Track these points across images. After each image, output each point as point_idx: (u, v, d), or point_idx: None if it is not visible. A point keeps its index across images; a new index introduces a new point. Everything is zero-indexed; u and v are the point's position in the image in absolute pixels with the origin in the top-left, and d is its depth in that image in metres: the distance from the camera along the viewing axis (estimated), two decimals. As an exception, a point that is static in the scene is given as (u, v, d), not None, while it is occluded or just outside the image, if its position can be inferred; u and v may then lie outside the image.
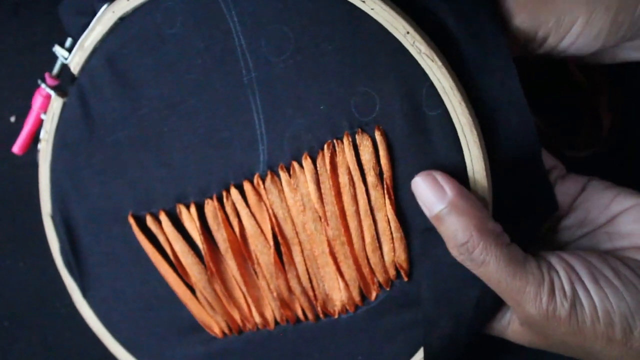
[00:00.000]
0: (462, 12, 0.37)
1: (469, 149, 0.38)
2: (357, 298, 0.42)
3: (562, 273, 0.36)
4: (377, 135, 0.38)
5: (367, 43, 0.38)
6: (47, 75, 0.46)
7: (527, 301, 0.35)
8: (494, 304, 0.39)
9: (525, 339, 0.39)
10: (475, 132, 0.37)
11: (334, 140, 0.40)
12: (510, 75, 0.37)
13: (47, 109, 0.46)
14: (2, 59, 0.51)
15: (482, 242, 0.36)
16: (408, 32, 0.37)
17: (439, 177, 0.37)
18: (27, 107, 0.49)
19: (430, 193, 0.37)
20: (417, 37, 0.37)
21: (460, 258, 0.37)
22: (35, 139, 0.49)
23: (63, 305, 0.49)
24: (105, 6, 0.43)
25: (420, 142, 0.38)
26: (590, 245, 0.40)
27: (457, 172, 0.38)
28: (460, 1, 0.38)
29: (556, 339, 0.37)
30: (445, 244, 0.37)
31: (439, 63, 0.37)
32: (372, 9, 0.37)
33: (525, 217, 0.39)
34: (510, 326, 0.40)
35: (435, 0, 0.37)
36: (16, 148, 0.49)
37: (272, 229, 0.42)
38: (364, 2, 0.37)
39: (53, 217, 0.48)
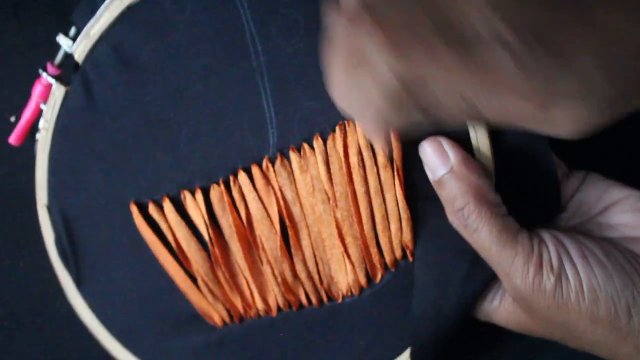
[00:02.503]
0: None
1: (474, 127, 0.39)
2: (362, 280, 0.43)
3: (551, 248, 0.37)
4: None
5: None
6: (49, 64, 0.46)
7: (515, 272, 0.36)
8: (484, 280, 0.40)
9: (514, 321, 0.40)
10: None
11: (346, 122, 0.41)
12: None
13: (48, 99, 0.46)
14: (2, 59, 0.51)
15: (477, 209, 0.37)
16: (417, 16, 0.39)
17: (444, 142, 0.39)
18: None
19: (435, 157, 0.39)
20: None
21: (456, 223, 0.38)
22: (32, 130, 0.49)
23: (63, 305, 0.48)
24: (113, -5, 0.43)
25: None
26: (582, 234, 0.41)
27: (463, 147, 0.39)
28: None
29: (542, 315, 0.37)
30: (443, 214, 0.39)
31: (447, 45, 0.38)
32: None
33: (527, 207, 0.40)
34: (500, 307, 0.40)
35: None
36: (12, 138, 0.48)
37: (280, 212, 0.43)
38: (374, -13, 0.39)
39: (49, 208, 0.47)
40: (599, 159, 0.46)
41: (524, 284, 0.36)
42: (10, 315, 0.53)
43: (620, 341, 0.35)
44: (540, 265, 0.36)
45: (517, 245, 0.37)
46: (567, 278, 0.36)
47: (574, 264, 0.36)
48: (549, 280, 0.36)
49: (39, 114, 0.47)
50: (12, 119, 0.51)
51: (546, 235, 0.37)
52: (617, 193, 0.40)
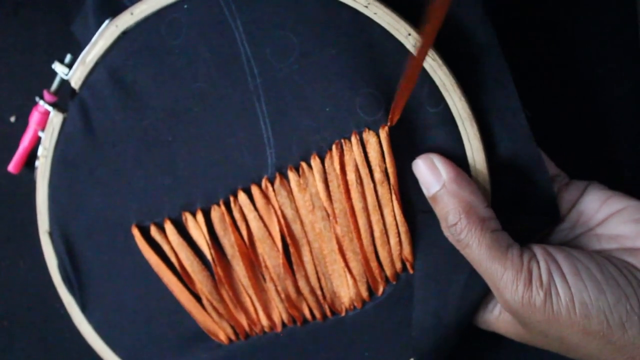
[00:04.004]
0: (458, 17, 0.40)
1: (469, 142, 0.40)
2: (364, 294, 0.44)
3: (542, 263, 0.37)
4: (382, 134, 0.40)
5: (370, 46, 0.40)
6: (45, 92, 0.46)
7: (504, 287, 0.37)
8: (482, 290, 0.41)
9: (512, 330, 0.41)
10: (475, 126, 0.40)
11: (342, 140, 0.41)
12: (505, 76, 0.40)
13: (45, 126, 0.46)
14: (2, 59, 0.51)
15: (468, 225, 0.38)
16: (410, 34, 0.39)
17: (436, 160, 0.40)
18: (27, 107, 0.49)
19: (428, 174, 0.40)
20: (419, 38, 0.39)
21: (450, 238, 0.39)
22: (30, 156, 0.49)
23: (63, 306, 0.49)
24: (107, 21, 0.44)
25: (424, 137, 0.41)
26: (580, 246, 0.41)
27: (459, 164, 0.40)
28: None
29: (535, 328, 0.38)
30: (439, 227, 0.40)
31: (440, 62, 0.39)
32: (375, 13, 0.40)
33: (524, 220, 0.41)
34: (500, 316, 0.41)
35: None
36: (11, 167, 0.49)
37: (281, 230, 0.43)
38: (366, 7, 0.40)
39: (51, 234, 0.47)
40: (601, 168, 0.47)
41: (513, 299, 0.37)
42: (10, 315, 0.53)
43: (616, 353, 0.36)
44: (529, 281, 0.37)
45: (507, 260, 0.37)
46: (557, 293, 0.36)
47: (565, 279, 0.36)
48: (538, 296, 0.36)
49: (37, 141, 0.48)
50: (12, 119, 0.52)
51: (538, 251, 0.38)
52: (617, 203, 0.41)
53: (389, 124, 0.40)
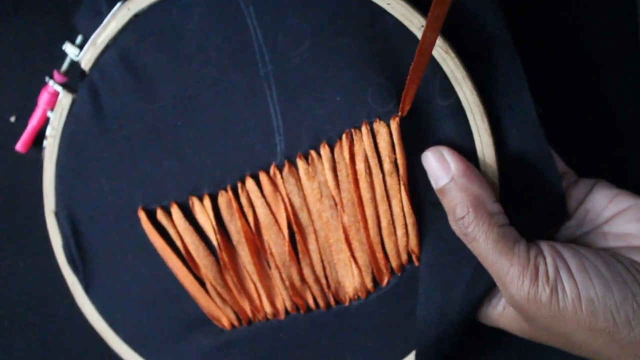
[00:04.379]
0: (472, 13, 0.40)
1: (480, 136, 0.40)
2: (369, 284, 0.44)
3: (548, 259, 0.37)
4: (393, 125, 0.40)
5: (383, 36, 0.40)
6: (55, 72, 0.46)
7: (510, 282, 0.37)
8: (487, 285, 0.41)
9: (517, 326, 0.41)
10: (486, 120, 0.40)
11: (352, 130, 0.41)
12: (516, 69, 0.40)
13: (54, 106, 0.46)
14: (2, 59, 0.51)
15: (475, 219, 0.38)
16: (423, 26, 0.39)
17: (446, 152, 0.40)
18: (27, 107, 0.49)
19: (437, 167, 0.40)
20: (424, 22, 0.39)
21: (457, 231, 0.39)
22: (38, 136, 0.49)
23: (63, 305, 0.49)
24: (119, 3, 0.44)
25: (434, 130, 0.41)
26: (586, 244, 0.41)
27: (468, 158, 0.40)
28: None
29: (540, 325, 0.38)
30: (446, 219, 0.40)
31: (452, 54, 0.39)
32: (388, 4, 0.39)
33: (532, 217, 0.41)
34: (504, 312, 0.41)
35: None
36: (19, 146, 0.49)
37: (288, 218, 0.43)
38: (380, -3, 0.39)
39: (57, 214, 0.48)
40: (609, 166, 0.47)
41: (519, 294, 0.37)
42: (10, 315, 0.53)
43: (621, 351, 0.36)
44: (535, 277, 0.37)
45: (514, 256, 0.37)
46: (563, 289, 0.36)
47: (571, 276, 0.36)
48: (544, 292, 0.36)
49: (45, 121, 0.48)
50: (12, 119, 0.52)
51: (545, 247, 0.38)
52: (624, 202, 0.41)
53: (399, 114, 0.40)
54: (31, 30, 0.51)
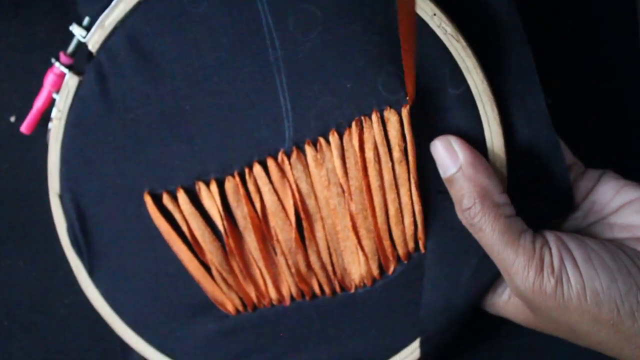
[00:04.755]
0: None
1: (489, 126, 0.40)
2: (375, 272, 0.44)
3: (554, 250, 0.37)
4: (404, 113, 0.40)
5: (395, 24, 0.40)
6: (61, 53, 0.46)
7: (516, 273, 0.37)
8: (492, 274, 0.41)
9: (521, 316, 0.41)
10: (495, 110, 0.40)
11: (362, 117, 0.41)
12: (527, 56, 0.40)
13: (60, 88, 0.46)
14: (2, 59, 0.51)
15: (482, 210, 0.38)
16: (435, 14, 0.39)
17: (454, 142, 0.40)
18: (28, 107, 0.49)
19: (446, 156, 0.40)
20: (444, 18, 0.39)
21: (464, 221, 0.39)
22: (43, 119, 0.49)
23: (63, 306, 0.49)
24: (128, -15, 0.43)
25: (444, 119, 0.40)
26: (592, 235, 0.41)
27: (477, 147, 0.40)
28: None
29: (545, 315, 0.38)
30: (454, 208, 0.40)
31: (464, 43, 0.39)
32: None
33: (539, 207, 0.41)
34: (509, 301, 0.41)
35: None
36: (24, 127, 0.48)
37: (295, 204, 0.43)
38: (393, -16, 0.39)
39: (61, 196, 0.47)
40: (617, 157, 0.47)
41: (524, 285, 0.37)
42: (10, 315, 0.53)
43: (624, 342, 0.36)
44: (541, 267, 0.37)
45: (519, 246, 0.38)
46: (568, 280, 0.36)
47: (576, 267, 0.37)
48: (549, 282, 0.37)
49: (50, 103, 0.47)
50: (12, 119, 0.51)
51: (550, 237, 0.38)
52: (630, 193, 0.41)
53: (408, 98, 0.40)
54: (31, 30, 0.51)
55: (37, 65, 0.51)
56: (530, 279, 0.37)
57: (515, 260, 0.37)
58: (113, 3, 0.43)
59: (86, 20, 0.45)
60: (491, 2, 0.40)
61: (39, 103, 0.48)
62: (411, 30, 0.34)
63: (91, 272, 0.48)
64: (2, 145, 0.51)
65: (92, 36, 0.44)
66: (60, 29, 0.50)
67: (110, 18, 0.44)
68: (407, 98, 0.40)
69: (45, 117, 0.48)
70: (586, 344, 0.38)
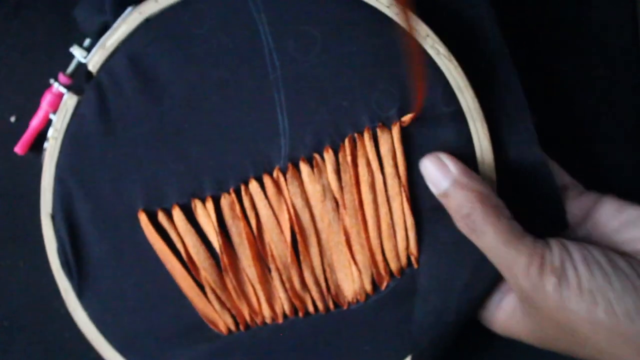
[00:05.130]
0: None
1: (479, 142, 0.42)
2: (368, 287, 0.45)
3: (555, 250, 0.38)
4: (394, 130, 0.42)
5: (390, 44, 0.42)
6: (60, 74, 0.47)
7: (519, 272, 0.38)
8: (483, 289, 0.42)
9: (516, 328, 0.41)
10: (485, 126, 0.42)
11: (355, 135, 0.43)
12: (514, 81, 0.42)
13: (58, 108, 0.46)
14: (2, 59, 0.51)
15: (483, 213, 0.39)
16: (428, 35, 0.41)
17: (443, 157, 0.41)
18: (27, 107, 0.49)
19: (436, 171, 0.41)
20: (437, 39, 0.41)
21: (465, 230, 0.40)
22: (38, 138, 0.49)
23: (63, 306, 0.48)
24: (130, 8, 0.45)
25: (435, 136, 0.42)
26: None
27: (468, 164, 0.42)
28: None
29: (545, 317, 0.38)
30: (447, 224, 0.41)
31: (455, 64, 0.41)
32: (396, 14, 0.42)
33: (530, 224, 0.42)
34: (506, 313, 0.42)
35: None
36: (18, 147, 0.49)
37: (290, 220, 0.44)
38: (388, 7, 0.42)
39: (53, 217, 0.47)
40: (616, 180, 0.48)
41: (527, 283, 0.38)
42: (10, 315, 0.52)
43: (624, 345, 0.37)
44: (542, 266, 0.38)
45: (522, 245, 0.39)
46: (567, 280, 0.37)
47: (575, 267, 0.38)
48: (550, 281, 0.37)
49: (46, 123, 0.48)
50: (12, 119, 0.51)
51: (551, 239, 0.39)
52: (632, 212, 0.42)
53: (415, 112, 0.42)
54: (31, 31, 0.51)
55: (37, 66, 0.51)
56: (532, 277, 0.38)
57: (518, 258, 0.38)
58: (115, 24, 0.45)
59: (87, 42, 0.46)
60: (479, 26, 0.43)
61: (34, 123, 0.48)
62: (418, 50, 0.37)
63: (80, 294, 0.48)
64: (2, 145, 0.51)
65: (93, 57, 0.45)
66: (61, 30, 0.51)
67: (112, 39, 0.45)
68: (412, 113, 0.42)
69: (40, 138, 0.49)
70: (586, 354, 0.39)
